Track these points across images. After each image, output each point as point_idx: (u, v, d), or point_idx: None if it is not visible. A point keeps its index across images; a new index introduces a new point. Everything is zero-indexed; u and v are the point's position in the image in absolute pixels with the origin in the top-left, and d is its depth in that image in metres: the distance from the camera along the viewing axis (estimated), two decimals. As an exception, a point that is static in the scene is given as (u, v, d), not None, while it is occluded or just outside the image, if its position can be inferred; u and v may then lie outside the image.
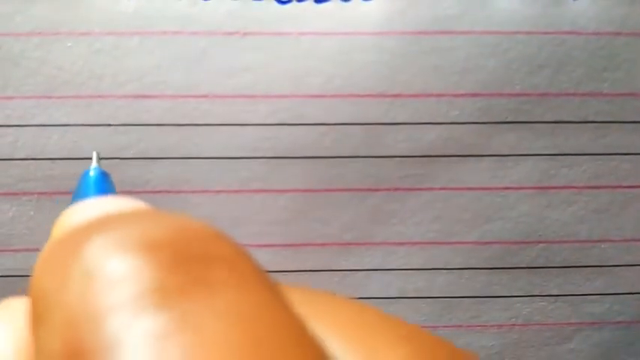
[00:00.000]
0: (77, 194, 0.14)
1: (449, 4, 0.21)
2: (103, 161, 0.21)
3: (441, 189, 0.22)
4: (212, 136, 0.21)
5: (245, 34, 0.20)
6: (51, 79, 0.20)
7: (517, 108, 0.22)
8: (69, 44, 0.20)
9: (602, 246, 0.23)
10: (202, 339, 0.08)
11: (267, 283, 0.09)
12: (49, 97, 0.21)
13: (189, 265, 0.09)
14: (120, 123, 0.21)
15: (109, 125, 0.21)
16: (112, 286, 0.08)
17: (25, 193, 0.21)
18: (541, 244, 0.23)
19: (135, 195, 0.22)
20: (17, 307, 0.10)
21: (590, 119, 0.22)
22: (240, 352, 0.08)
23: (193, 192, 0.22)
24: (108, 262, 0.08)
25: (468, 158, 0.22)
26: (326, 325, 0.10)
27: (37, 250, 0.24)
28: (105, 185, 0.14)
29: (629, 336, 0.24)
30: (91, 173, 0.14)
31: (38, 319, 0.09)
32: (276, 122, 0.21)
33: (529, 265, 0.23)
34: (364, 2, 0.20)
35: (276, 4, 0.20)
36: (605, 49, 0.21)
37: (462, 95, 0.21)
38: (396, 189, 0.22)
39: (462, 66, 0.21)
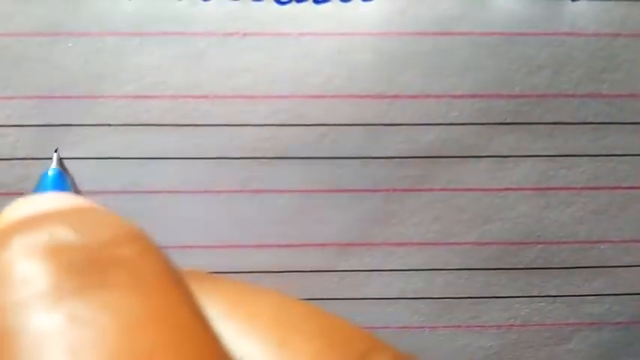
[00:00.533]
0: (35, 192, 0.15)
1: (448, 4, 0.21)
2: (106, 161, 0.21)
3: (440, 190, 0.22)
4: (212, 137, 0.21)
5: (245, 34, 0.21)
6: (51, 79, 0.21)
7: (516, 109, 0.22)
8: (69, 44, 0.20)
9: (601, 247, 0.23)
10: (90, 335, 0.08)
11: (171, 286, 0.10)
12: (50, 97, 0.21)
13: (89, 268, 0.09)
14: (120, 123, 0.21)
15: (109, 125, 0.21)
16: (18, 285, 0.09)
17: (24, 193, 0.21)
18: (540, 245, 0.23)
19: (134, 196, 0.22)
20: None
21: (590, 120, 0.22)
22: (128, 352, 0.08)
23: (193, 192, 0.22)
24: (17, 263, 0.10)
25: (467, 159, 0.22)
26: (241, 320, 0.10)
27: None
28: (62, 185, 0.15)
29: (628, 337, 0.24)
30: (50, 173, 0.15)
31: None
32: (276, 123, 0.21)
33: (528, 266, 0.23)
34: (363, 3, 0.20)
35: (275, 4, 0.20)
36: (604, 50, 0.21)
37: (461, 96, 0.21)
38: (395, 190, 0.22)
39: (461, 67, 0.21)
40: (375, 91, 0.21)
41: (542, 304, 0.23)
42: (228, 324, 0.10)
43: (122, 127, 0.21)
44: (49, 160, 0.21)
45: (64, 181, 0.15)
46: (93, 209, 0.11)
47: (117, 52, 0.20)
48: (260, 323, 0.10)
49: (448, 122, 0.22)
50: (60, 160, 0.16)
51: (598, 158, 0.22)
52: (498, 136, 0.22)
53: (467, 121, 0.22)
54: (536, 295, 0.23)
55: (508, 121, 0.22)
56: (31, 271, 0.09)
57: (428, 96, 0.21)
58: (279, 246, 0.22)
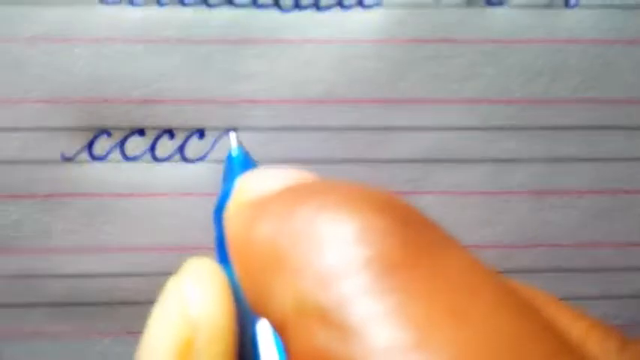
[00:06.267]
0: (227, 174, 0.15)
1: (448, 12, 0.21)
2: (108, 163, 0.22)
3: (440, 193, 0.22)
4: (215, 142, 0.22)
5: (248, 41, 0.21)
6: (59, 84, 0.21)
7: (516, 114, 0.22)
8: (76, 50, 0.20)
9: (600, 250, 0.23)
10: (438, 309, 0.08)
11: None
12: (57, 102, 0.21)
13: (418, 228, 0.09)
14: (126, 127, 0.21)
15: (116, 129, 0.21)
16: (345, 246, 0.08)
17: (31, 195, 0.22)
18: (539, 248, 0.23)
19: (138, 198, 0.22)
20: (204, 266, 0.11)
21: (588, 125, 0.22)
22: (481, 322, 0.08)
23: (197, 195, 0.22)
24: (341, 222, 0.09)
25: (467, 163, 0.22)
26: None
27: (42, 251, 0.24)
28: (250, 164, 0.15)
29: (625, 340, 0.24)
30: (234, 154, 0.15)
31: (269, 270, 0.09)
32: (278, 127, 0.21)
33: (527, 269, 0.23)
34: (365, 10, 0.21)
35: (278, 12, 0.21)
36: (602, 57, 0.21)
37: (462, 102, 0.21)
38: (397, 193, 0.22)
39: (461, 74, 0.21)
40: (376, 97, 0.21)
41: (541, 307, 0.23)
42: None
43: (128, 132, 0.21)
44: (55, 164, 0.21)
45: (250, 159, 0.15)
46: (340, 181, 0.10)
47: (123, 59, 0.21)
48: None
49: (449, 127, 0.22)
50: (237, 138, 0.16)
51: (596, 162, 0.22)
52: (498, 140, 0.22)
53: (468, 126, 0.22)
54: (535, 298, 0.23)
55: (508, 126, 0.22)
56: (360, 230, 0.09)
57: (429, 101, 0.21)
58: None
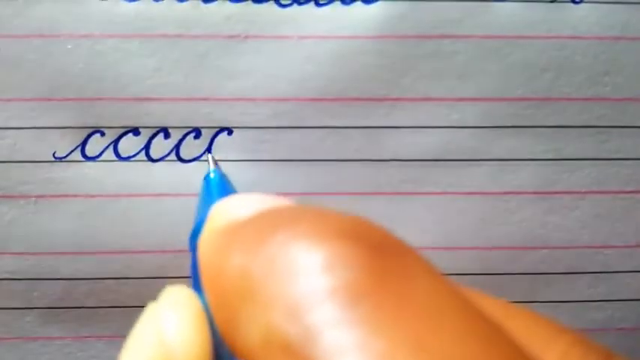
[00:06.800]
0: (203, 198, 0.15)
1: (450, 8, 0.21)
2: (102, 163, 0.21)
3: (441, 193, 0.22)
4: (212, 140, 0.21)
5: (246, 37, 0.20)
6: (51, 82, 0.20)
7: (518, 112, 0.22)
8: (69, 46, 0.20)
9: (605, 252, 0.23)
10: (403, 340, 0.08)
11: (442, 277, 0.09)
12: (49, 100, 0.21)
13: (386, 255, 0.09)
14: (120, 125, 0.21)
15: (110, 128, 0.21)
16: (312, 276, 0.09)
17: (23, 196, 0.21)
18: (543, 250, 0.23)
19: (133, 199, 0.22)
20: (181, 294, 0.11)
21: (592, 124, 0.22)
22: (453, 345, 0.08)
23: (192, 196, 0.22)
24: (309, 252, 0.09)
25: (468, 163, 0.22)
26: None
27: (35, 253, 0.24)
28: (227, 187, 0.15)
29: (631, 342, 0.24)
30: (212, 176, 0.15)
31: (239, 299, 0.09)
32: (277, 125, 0.21)
33: (531, 271, 0.23)
34: (365, 5, 0.20)
35: (276, 7, 0.20)
36: (606, 54, 0.21)
37: (463, 99, 0.21)
38: (396, 193, 0.22)
39: (462, 70, 0.21)
40: (376, 95, 0.21)
41: (545, 309, 0.23)
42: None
43: (123, 130, 0.21)
44: (48, 163, 0.21)
45: (227, 182, 0.15)
46: (313, 207, 0.10)
47: (117, 55, 0.20)
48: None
49: (450, 125, 0.21)
50: (214, 160, 0.16)
51: (601, 162, 0.22)
52: (500, 139, 0.22)
53: (469, 125, 0.22)
54: (539, 300, 0.23)
55: (510, 124, 0.22)
56: (331, 259, 0.09)
57: (430, 99, 0.21)
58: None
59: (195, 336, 0.10)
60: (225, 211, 0.11)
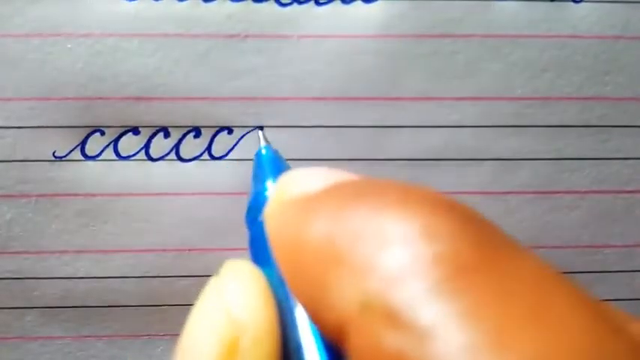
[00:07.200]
0: (256, 174, 0.15)
1: (450, 7, 0.21)
2: (102, 162, 0.21)
3: (442, 193, 0.22)
4: (213, 139, 0.21)
5: (246, 36, 0.20)
6: (50, 81, 0.20)
7: (518, 112, 0.22)
8: (69, 46, 0.20)
9: (605, 252, 0.23)
10: (514, 310, 0.08)
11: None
12: (49, 99, 0.21)
13: (480, 228, 0.09)
14: (120, 125, 0.21)
15: (110, 127, 0.21)
16: (411, 245, 0.08)
17: (23, 196, 0.21)
18: (542, 249, 0.23)
19: (133, 198, 0.22)
20: (244, 268, 0.11)
21: (593, 123, 0.22)
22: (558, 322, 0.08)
23: (194, 194, 0.22)
24: (404, 220, 0.09)
25: (469, 162, 0.22)
26: None
27: (35, 252, 0.24)
28: (279, 161, 0.15)
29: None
30: (263, 152, 0.15)
31: (326, 269, 0.09)
32: (276, 125, 0.21)
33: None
34: (365, 5, 0.20)
35: (276, 6, 0.20)
36: (606, 53, 0.21)
37: (464, 99, 0.21)
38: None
39: (463, 70, 0.21)
40: (376, 94, 0.21)
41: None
42: None
43: (123, 129, 0.21)
44: (47, 162, 0.21)
45: (279, 157, 0.15)
46: (392, 180, 0.10)
47: (117, 54, 0.20)
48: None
49: (450, 125, 0.21)
50: (265, 136, 0.16)
51: (601, 162, 0.22)
52: (500, 139, 0.22)
53: (469, 124, 0.21)
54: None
55: (510, 124, 0.22)
56: (421, 229, 0.08)
57: (430, 99, 0.21)
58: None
59: (263, 310, 0.10)
60: (294, 184, 0.11)
